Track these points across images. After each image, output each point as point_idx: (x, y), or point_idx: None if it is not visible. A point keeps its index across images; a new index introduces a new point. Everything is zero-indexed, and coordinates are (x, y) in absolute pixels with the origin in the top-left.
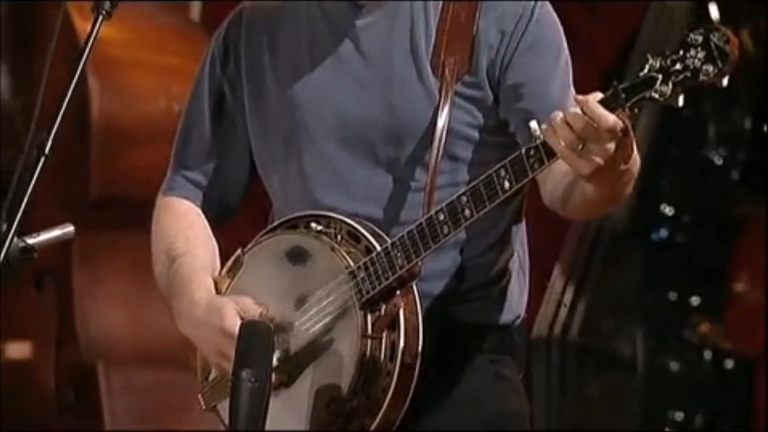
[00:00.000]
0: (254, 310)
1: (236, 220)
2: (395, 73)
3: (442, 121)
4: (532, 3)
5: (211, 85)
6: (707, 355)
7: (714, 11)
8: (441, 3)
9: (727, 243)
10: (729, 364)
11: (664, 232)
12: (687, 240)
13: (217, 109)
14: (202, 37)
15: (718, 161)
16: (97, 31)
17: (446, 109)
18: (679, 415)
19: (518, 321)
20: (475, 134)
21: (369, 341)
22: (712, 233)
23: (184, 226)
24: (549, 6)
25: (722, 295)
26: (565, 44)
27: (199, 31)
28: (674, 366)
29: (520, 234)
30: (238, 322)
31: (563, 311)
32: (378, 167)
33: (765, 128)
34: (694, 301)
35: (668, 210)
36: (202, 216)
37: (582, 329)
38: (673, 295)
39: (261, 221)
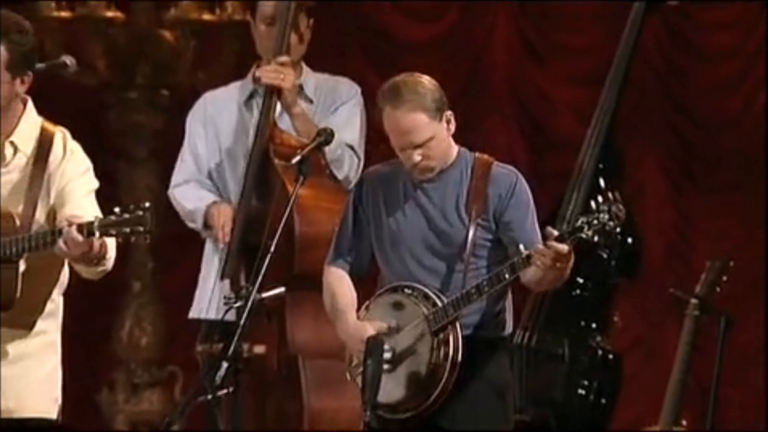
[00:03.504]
0: (383, 326)
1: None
2: (446, 213)
3: (470, 239)
4: (515, 178)
5: (354, 209)
6: (599, 352)
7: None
8: (470, 173)
9: (610, 297)
10: (610, 357)
11: (578, 291)
12: (590, 295)
13: (356, 220)
14: (345, 194)
15: (605, 256)
16: (298, 188)
17: (471, 233)
18: (584, 383)
19: (510, 333)
20: (487, 244)
21: (434, 352)
22: (604, 292)
23: (339, 283)
24: (522, 178)
25: (608, 323)
26: (531, 198)
27: (344, 192)
28: (583, 358)
29: (509, 288)
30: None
31: (528, 329)
32: (437, 259)
33: (628, 240)
34: (593, 326)
35: (580, 280)
36: (347, 277)
37: (537, 340)
38: (582, 324)
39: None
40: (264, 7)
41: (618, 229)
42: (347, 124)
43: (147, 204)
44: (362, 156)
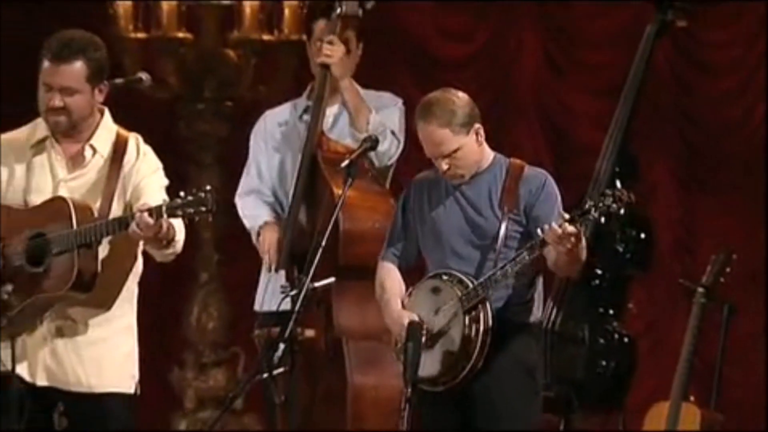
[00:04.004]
0: (419, 319)
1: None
2: (482, 209)
3: (502, 231)
4: (544, 178)
5: (403, 210)
6: (616, 336)
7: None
8: (505, 175)
9: (625, 286)
10: (626, 340)
11: (597, 281)
12: (607, 285)
13: (404, 221)
14: (388, 196)
15: (620, 249)
16: (346, 191)
17: (504, 226)
18: (603, 363)
19: (538, 320)
20: (518, 236)
21: (467, 329)
22: (619, 282)
23: (388, 276)
24: (551, 179)
25: (623, 310)
26: (559, 196)
27: (387, 194)
28: (601, 341)
29: (539, 280)
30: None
31: (553, 316)
32: (472, 249)
33: (641, 236)
34: (610, 312)
35: (599, 272)
36: (396, 270)
37: (560, 325)
38: (601, 310)
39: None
40: (317, 30)
41: (628, 218)
42: (387, 117)
43: (208, 187)
44: (402, 140)
